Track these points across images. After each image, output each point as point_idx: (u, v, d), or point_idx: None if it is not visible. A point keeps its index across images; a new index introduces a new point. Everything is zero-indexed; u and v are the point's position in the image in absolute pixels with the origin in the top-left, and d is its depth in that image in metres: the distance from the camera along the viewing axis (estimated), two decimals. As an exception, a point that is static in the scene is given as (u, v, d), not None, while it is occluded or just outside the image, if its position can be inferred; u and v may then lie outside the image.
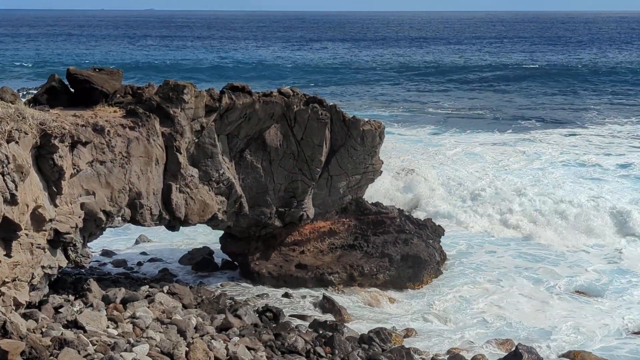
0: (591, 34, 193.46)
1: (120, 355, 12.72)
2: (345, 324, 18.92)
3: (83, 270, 20.96)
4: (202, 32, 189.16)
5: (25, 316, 14.19)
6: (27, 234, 14.26)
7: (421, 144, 45.34)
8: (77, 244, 16.57)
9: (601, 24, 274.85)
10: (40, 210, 14.49)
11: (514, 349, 16.69)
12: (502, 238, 27.19)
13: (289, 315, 19.48)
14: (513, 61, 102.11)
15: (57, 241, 15.77)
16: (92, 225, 17.16)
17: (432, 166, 35.45)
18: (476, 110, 60.75)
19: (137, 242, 26.36)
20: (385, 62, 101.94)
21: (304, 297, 20.96)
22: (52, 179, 14.94)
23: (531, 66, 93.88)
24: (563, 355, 17.27)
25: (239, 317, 18.14)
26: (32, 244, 14.44)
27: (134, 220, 18.29)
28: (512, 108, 62.69)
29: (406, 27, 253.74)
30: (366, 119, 22.87)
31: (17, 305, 14.04)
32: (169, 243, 25.97)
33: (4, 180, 13.02)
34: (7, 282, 13.75)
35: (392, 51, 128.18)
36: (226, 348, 15.05)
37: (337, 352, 16.80)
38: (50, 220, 14.95)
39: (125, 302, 17.05)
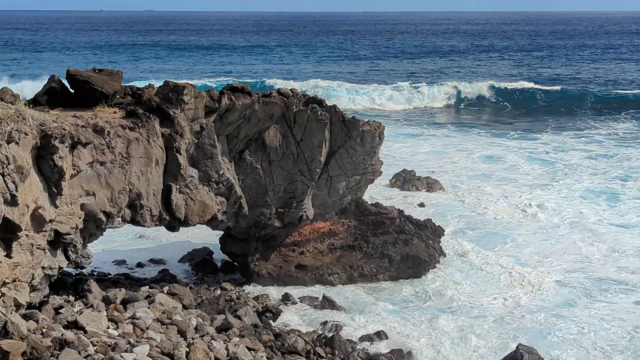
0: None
1: (121, 356, 12.74)
2: (345, 325, 18.95)
3: (83, 271, 20.94)
4: (201, 37, 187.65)
5: (25, 317, 14.20)
6: (27, 235, 14.28)
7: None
8: (77, 245, 16.58)
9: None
10: (40, 211, 14.50)
11: (514, 349, 16.69)
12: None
13: (289, 316, 19.51)
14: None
15: (58, 242, 15.79)
16: (92, 226, 17.18)
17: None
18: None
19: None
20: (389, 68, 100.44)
21: (304, 297, 20.96)
22: (52, 180, 14.95)
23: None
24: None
25: (238, 317, 18.17)
26: (32, 245, 14.46)
27: (134, 221, 18.30)
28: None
29: (405, 28, 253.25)
30: (366, 120, 22.91)
31: (18, 306, 14.06)
32: (169, 243, 25.95)
33: (4, 181, 13.03)
34: (8, 283, 13.76)
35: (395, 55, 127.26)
36: (226, 348, 15.08)
37: (337, 352, 16.82)
38: (51, 221, 14.96)
39: (125, 302, 17.06)
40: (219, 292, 20.92)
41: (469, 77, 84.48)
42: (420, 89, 68.74)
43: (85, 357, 12.46)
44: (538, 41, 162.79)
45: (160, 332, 15.17)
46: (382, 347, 17.66)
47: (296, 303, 20.59)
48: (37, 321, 14.19)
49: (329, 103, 22.53)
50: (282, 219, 21.99)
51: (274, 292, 21.31)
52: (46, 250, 15.26)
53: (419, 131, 52.05)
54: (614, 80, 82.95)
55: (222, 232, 22.63)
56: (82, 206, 16.37)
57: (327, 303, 20.28)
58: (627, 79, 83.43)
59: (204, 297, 19.97)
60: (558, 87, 70.88)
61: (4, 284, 13.66)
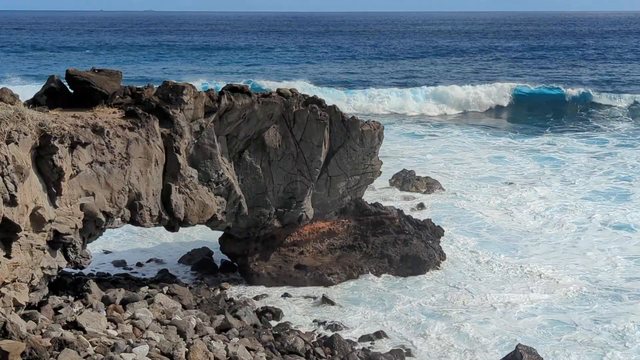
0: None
1: (120, 356, 12.75)
2: (345, 325, 18.95)
3: (83, 271, 20.93)
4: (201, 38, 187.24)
5: (25, 317, 14.21)
6: (26, 235, 14.28)
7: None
8: (76, 245, 16.58)
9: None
10: (39, 211, 14.50)
11: (514, 349, 16.69)
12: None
13: (289, 316, 19.52)
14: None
15: (57, 242, 15.78)
16: (92, 226, 17.17)
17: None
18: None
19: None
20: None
21: (303, 297, 20.97)
22: (52, 180, 14.95)
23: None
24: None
25: (238, 317, 18.18)
26: (31, 245, 14.45)
27: (133, 221, 18.30)
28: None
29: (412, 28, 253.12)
30: (365, 120, 22.93)
31: (17, 306, 14.05)
32: (169, 243, 25.94)
33: (4, 181, 13.04)
34: (7, 283, 13.76)
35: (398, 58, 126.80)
36: (226, 349, 15.09)
37: (336, 352, 16.82)
38: (50, 221, 14.96)
39: (125, 302, 17.06)
40: (218, 292, 20.94)
41: (470, 78, 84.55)
42: (421, 90, 68.46)
43: (85, 357, 12.46)
44: (539, 41, 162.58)
45: (160, 333, 15.18)
46: (382, 347, 17.67)
47: (296, 303, 20.59)
48: (36, 321, 14.20)
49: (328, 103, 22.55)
50: (282, 219, 21.99)
51: (274, 292, 21.33)
52: (46, 251, 15.25)
53: (419, 132, 52.00)
54: (616, 80, 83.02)
55: (221, 232, 22.63)
56: (82, 206, 16.37)
57: (327, 303, 20.29)
58: (629, 79, 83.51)
59: (203, 297, 19.98)
60: (560, 88, 70.87)
61: (4, 284, 13.66)
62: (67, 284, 18.69)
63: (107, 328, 14.80)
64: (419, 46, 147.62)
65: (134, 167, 17.55)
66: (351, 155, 22.27)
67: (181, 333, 15.48)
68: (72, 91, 19.16)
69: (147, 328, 15.39)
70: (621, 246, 25.82)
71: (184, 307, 18.31)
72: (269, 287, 21.69)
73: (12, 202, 13.25)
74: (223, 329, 17.09)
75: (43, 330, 13.54)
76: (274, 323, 18.99)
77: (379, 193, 32.74)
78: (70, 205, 15.93)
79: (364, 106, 63.91)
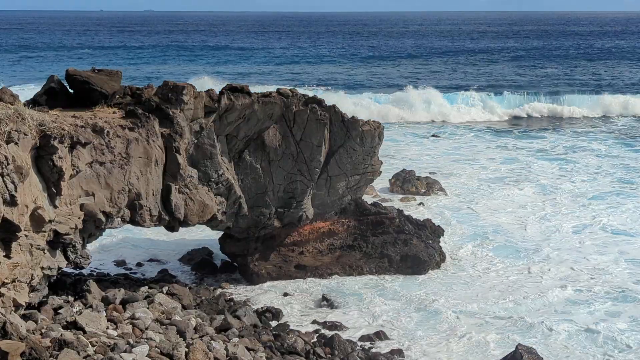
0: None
1: (120, 356, 12.74)
2: (345, 325, 18.95)
3: (82, 271, 20.93)
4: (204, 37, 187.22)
5: (24, 317, 14.21)
6: (26, 235, 14.27)
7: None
8: (76, 245, 16.57)
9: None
10: (39, 211, 14.49)
11: (514, 349, 16.69)
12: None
13: (288, 316, 19.51)
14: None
15: (57, 242, 15.77)
16: (92, 226, 17.16)
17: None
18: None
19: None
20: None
21: (303, 297, 20.95)
22: (52, 180, 14.94)
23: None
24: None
25: (238, 317, 18.18)
26: (31, 245, 14.45)
27: (133, 221, 18.29)
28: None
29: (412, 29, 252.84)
30: (365, 120, 22.92)
31: (17, 306, 14.05)
32: (169, 243, 25.92)
33: (4, 181, 13.03)
34: (7, 283, 13.75)
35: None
36: (226, 349, 15.09)
37: (336, 352, 16.83)
38: (50, 221, 14.95)
39: (124, 302, 17.06)
40: (218, 292, 20.93)
41: (472, 79, 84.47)
42: (421, 91, 68.11)
43: (85, 357, 12.46)
44: (540, 41, 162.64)
45: (160, 333, 15.17)
46: (381, 347, 17.67)
47: (296, 303, 20.58)
48: (36, 321, 14.20)
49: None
50: (282, 219, 21.98)
51: (274, 292, 21.32)
52: (45, 251, 15.25)
53: (419, 133, 51.96)
54: (617, 79, 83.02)
55: (221, 232, 22.63)
56: (82, 206, 16.36)
57: (327, 303, 20.28)
58: (630, 79, 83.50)
59: (203, 297, 19.98)
60: (560, 88, 70.92)
61: (3, 284, 13.65)
62: (67, 284, 18.69)
63: (107, 328, 14.80)
64: (419, 47, 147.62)
65: (134, 167, 17.54)
66: (351, 155, 22.26)
67: (181, 333, 15.48)
68: (72, 91, 19.16)
69: (146, 328, 15.39)
70: (625, 248, 25.71)
71: (184, 307, 18.31)
72: (269, 287, 21.68)
73: (12, 202, 13.24)
74: (223, 329, 17.09)
75: (43, 331, 13.54)
76: (274, 323, 19.00)
77: (379, 193, 32.77)
78: (70, 205, 15.92)
79: (364, 107, 63.65)
